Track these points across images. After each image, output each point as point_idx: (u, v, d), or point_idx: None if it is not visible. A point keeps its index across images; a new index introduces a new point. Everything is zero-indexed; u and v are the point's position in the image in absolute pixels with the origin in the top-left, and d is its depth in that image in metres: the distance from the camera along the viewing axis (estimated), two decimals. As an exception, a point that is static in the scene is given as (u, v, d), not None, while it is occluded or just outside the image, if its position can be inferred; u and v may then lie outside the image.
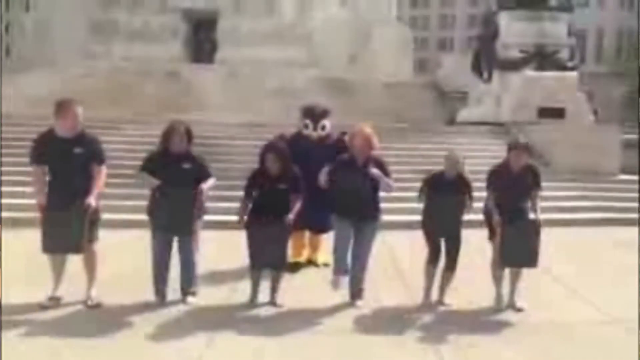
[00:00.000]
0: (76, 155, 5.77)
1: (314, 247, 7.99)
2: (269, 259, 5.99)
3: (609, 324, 5.87)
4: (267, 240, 5.92)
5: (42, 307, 5.74)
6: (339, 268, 6.16)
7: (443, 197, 6.15)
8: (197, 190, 5.85)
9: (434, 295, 6.30)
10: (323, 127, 7.75)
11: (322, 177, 6.23)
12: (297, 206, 6.05)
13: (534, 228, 6.08)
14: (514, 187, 6.16)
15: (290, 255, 7.02)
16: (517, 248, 6.05)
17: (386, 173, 6.08)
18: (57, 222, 5.68)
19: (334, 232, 6.31)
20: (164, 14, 26.08)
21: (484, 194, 6.32)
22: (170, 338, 5.17)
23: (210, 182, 6.02)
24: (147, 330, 5.31)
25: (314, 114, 7.78)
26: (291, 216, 5.95)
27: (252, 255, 6.00)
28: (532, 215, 6.15)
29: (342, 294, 6.23)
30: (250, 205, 6.10)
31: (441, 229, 6.21)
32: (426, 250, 6.30)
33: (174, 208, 5.84)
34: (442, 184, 6.18)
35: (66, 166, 5.77)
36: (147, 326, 5.41)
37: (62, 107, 5.83)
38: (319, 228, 7.61)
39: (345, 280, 6.21)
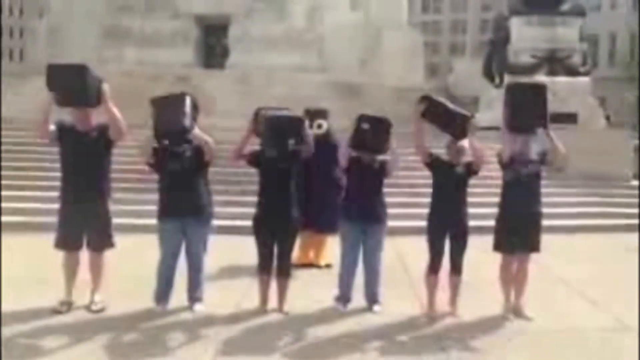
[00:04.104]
0: (90, 142, 5.84)
1: (317, 249, 8.01)
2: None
3: (620, 331, 5.82)
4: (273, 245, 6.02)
5: (55, 312, 5.72)
6: (342, 296, 6.24)
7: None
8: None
9: (439, 304, 6.19)
10: (319, 126, 8.11)
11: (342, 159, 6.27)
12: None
13: (537, 216, 6.14)
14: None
15: (295, 257, 7.02)
16: (519, 233, 6.03)
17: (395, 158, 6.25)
18: (73, 219, 5.79)
19: (340, 245, 6.30)
20: (175, 19, 26.20)
21: (487, 199, 6.27)
22: (177, 346, 5.16)
23: None
24: (154, 338, 5.30)
25: (309, 113, 8.24)
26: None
27: (261, 260, 6.05)
28: (536, 208, 6.14)
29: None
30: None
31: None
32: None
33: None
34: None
35: (81, 158, 5.82)
36: (153, 334, 5.40)
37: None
38: (321, 228, 7.74)
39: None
